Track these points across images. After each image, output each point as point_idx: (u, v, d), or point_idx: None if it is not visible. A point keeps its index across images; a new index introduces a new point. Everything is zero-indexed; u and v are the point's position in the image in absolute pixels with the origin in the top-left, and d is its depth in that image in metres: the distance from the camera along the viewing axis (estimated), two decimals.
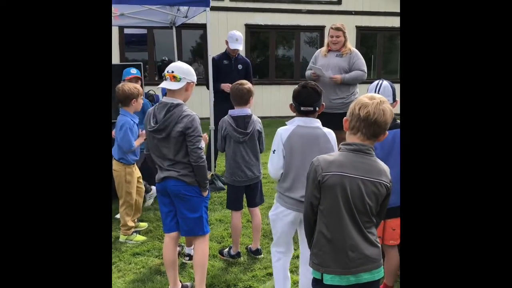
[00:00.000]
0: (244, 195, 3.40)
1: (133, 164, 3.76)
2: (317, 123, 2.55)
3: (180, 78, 2.68)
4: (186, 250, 3.37)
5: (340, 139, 5.30)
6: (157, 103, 2.80)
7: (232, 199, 3.38)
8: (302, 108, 2.50)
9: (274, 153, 2.52)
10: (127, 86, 3.58)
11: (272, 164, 2.53)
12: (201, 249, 2.81)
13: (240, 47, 5.35)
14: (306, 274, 2.45)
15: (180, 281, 2.97)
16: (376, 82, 2.83)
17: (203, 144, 2.74)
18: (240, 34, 5.36)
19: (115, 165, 3.68)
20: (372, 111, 1.75)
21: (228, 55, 5.37)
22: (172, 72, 2.68)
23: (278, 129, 2.54)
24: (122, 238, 3.76)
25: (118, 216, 3.91)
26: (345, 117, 1.88)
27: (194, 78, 2.77)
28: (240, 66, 5.47)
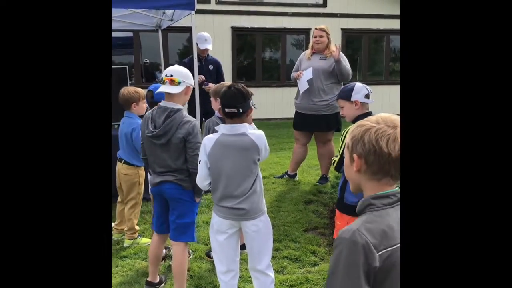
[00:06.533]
0: None
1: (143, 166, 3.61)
2: (243, 128, 2.37)
3: (179, 82, 2.66)
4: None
5: (325, 140, 5.38)
6: (155, 107, 2.76)
7: None
8: (226, 110, 2.35)
9: (199, 163, 2.43)
10: (127, 90, 3.51)
11: (199, 174, 2.45)
12: (179, 260, 2.77)
13: (210, 47, 5.49)
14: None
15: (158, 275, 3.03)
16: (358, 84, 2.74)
17: None
18: (208, 35, 5.51)
19: (127, 169, 3.58)
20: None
21: (198, 56, 5.34)
22: (171, 76, 2.65)
23: (204, 138, 2.46)
24: (127, 242, 3.67)
25: (114, 238, 3.79)
26: (354, 154, 1.23)
27: (192, 81, 2.78)
28: (211, 67, 5.56)
